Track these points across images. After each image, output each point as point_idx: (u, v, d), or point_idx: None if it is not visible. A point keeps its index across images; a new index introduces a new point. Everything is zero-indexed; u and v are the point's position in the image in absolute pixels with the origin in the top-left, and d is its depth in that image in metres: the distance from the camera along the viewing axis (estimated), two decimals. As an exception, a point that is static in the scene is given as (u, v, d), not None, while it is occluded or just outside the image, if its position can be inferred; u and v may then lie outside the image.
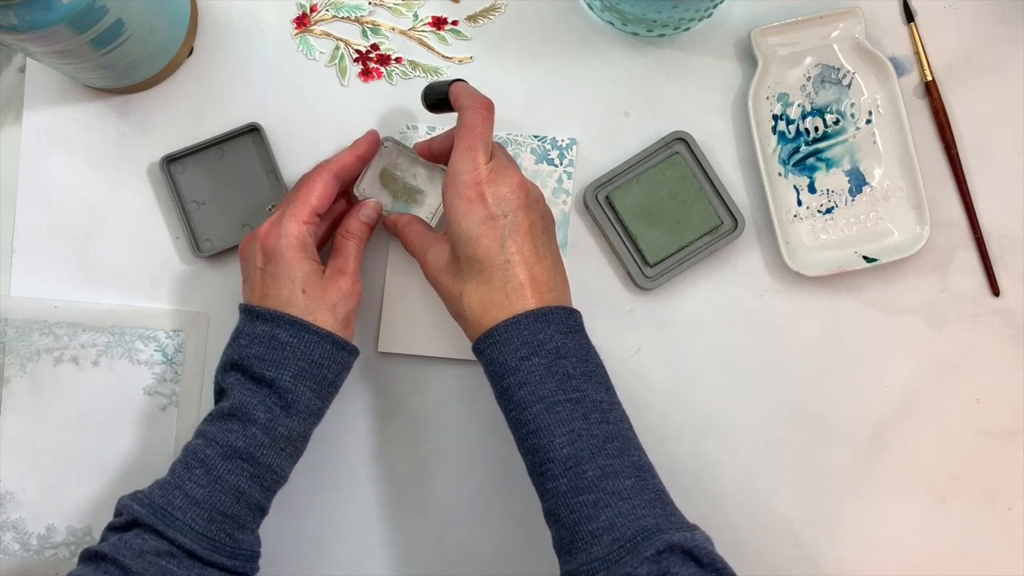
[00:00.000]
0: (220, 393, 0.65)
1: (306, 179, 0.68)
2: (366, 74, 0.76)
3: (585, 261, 0.75)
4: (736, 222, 0.74)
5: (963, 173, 0.76)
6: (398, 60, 0.76)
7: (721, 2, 0.72)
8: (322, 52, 0.76)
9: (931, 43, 0.76)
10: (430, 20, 0.76)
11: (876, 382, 0.75)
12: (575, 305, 0.65)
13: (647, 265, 0.74)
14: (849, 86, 0.75)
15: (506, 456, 0.75)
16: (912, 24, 0.76)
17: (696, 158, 0.74)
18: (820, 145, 0.75)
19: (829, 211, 0.75)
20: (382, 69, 0.76)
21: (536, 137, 0.75)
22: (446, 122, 0.74)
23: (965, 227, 0.76)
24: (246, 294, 0.67)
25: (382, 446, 0.75)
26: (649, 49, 0.76)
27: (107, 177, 0.76)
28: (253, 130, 0.75)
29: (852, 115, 0.75)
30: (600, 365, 0.63)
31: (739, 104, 0.76)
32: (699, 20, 0.74)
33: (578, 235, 0.75)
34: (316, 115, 0.76)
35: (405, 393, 0.75)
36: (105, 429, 0.74)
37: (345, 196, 0.72)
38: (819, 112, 0.75)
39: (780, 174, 0.75)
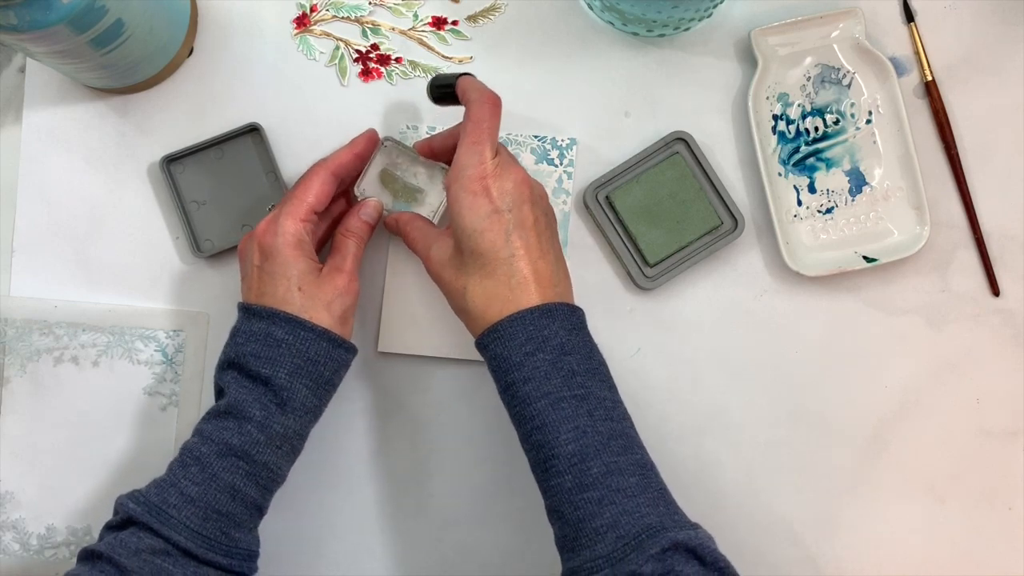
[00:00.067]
0: (220, 392, 0.65)
1: (304, 177, 0.68)
2: (366, 74, 0.76)
3: (585, 261, 0.75)
4: (736, 222, 0.74)
5: (963, 173, 0.76)
6: (398, 60, 0.76)
7: (721, 2, 0.72)
8: (322, 52, 0.76)
9: (931, 43, 0.76)
10: (430, 20, 0.76)
11: (876, 382, 0.75)
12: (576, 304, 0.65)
13: (647, 265, 0.74)
14: (849, 86, 0.75)
15: (506, 456, 0.75)
16: (912, 24, 0.76)
17: (696, 158, 0.74)
18: (820, 145, 0.75)
19: (829, 211, 0.75)
20: (382, 69, 0.76)
21: (536, 137, 0.75)
22: (448, 122, 0.74)
23: (965, 227, 0.76)
24: (244, 292, 0.67)
25: (382, 446, 0.75)
26: (649, 49, 0.76)
27: (107, 177, 0.76)
28: (253, 130, 0.75)
29: (852, 115, 0.75)
30: (603, 363, 0.63)
31: (739, 104, 0.76)
32: (699, 20, 0.74)
33: (578, 235, 0.75)
34: (316, 115, 0.76)
35: (405, 393, 0.75)
36: (105, 429, 0.74)
37: (345, 195, 0.72)
38: (819, 112, 0.75)
39: (780, 174, 0.75)
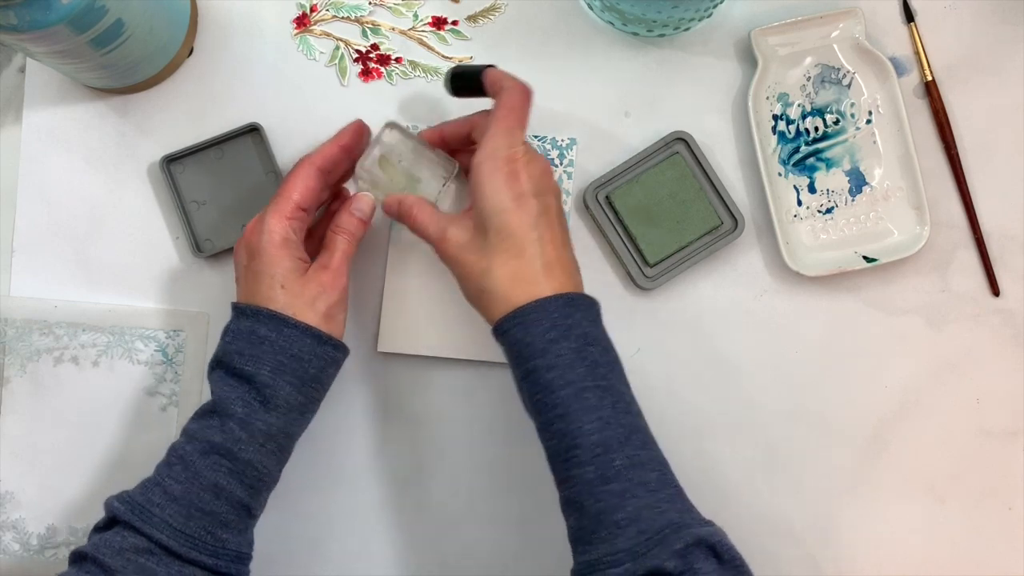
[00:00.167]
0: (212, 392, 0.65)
1: (289, 174, 0.67)
2: (366, 74, 0.76)
3: (585, 261, 0.75)
4: (736, 222, 0.74)
5: (963, 173, 0.76)
6: (398, 60, 0.76)
7: (721, 2, 0.72)
8: (322, 52, 0.76)
9: (931, 43, 0.76)
10: (430, 20, 0.76)
11: (876, 382, 0.75)
12: None
13: (647, 265, 0.74)
14: (849, 86, 0.75)
15: (506, 456, 0.75)
16: (912, 24, 0.76)
17: (696, 158, 0.74)
18: (820, 145, 0.75)
19: (829, 211, 0.75)
20: (382, 69, 0.76)
21: (536, 137, 0.75)
22: (445, 118, 0.74)
23: (965, 227, 0.76)
24: (237, 292, 0.67)
25: (382, 446, 0.75)
26: (649, 49, 0.76)
27: (107, 177, 0.76)
28: (253, 130, 0.75)
29: (852, 115, 0.75)
30: (619, 359, 0.62)
31: (739, 104, 0.76)
32: (699, 20, 0.74)
33: (578, 235, 0.75)
34: (316, 115, 0.76)
35: (405, 393, 0.75)
36: (105, 429, 0.74)
37: (339, 186, 0.72)
38: (819, 112, 0.75)
39: (780, 174, 0.75)
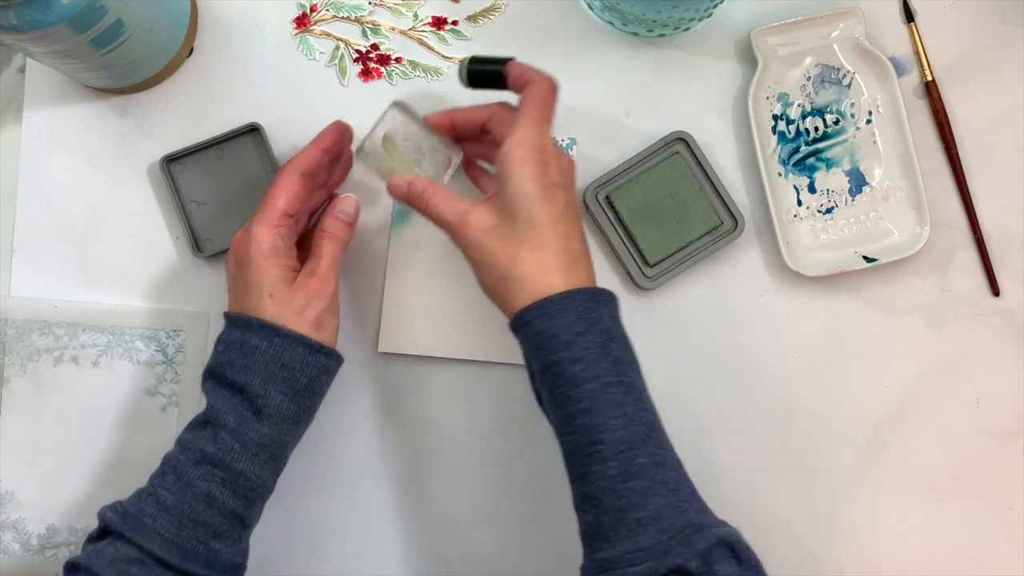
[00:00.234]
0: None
1: (273, 181, 0.66)
2: (366, 74, 0.76)
3: (585, 261, 0.75)
4: (736, 222, 0.74)
5: (963, 173, 0.76)
6: (398, 60, 0.76)
7: (721, 2, 0.72)
8: (322, 52, 0.76)
9: (931, 43, 0.76)
10: (430, 20, 0.76)
11: (876, 382, 0.75)
12: None
13: (647, 265, 0.74)
14: (849, 86, 0.75)
15: (506, 456, 0.75)
16: (912, 24, 0.76)
17: (696, 158, 0.74)
18: (820, 145, 0.75)
19: (829, 211, 0.75)
20: (382, 69, 0.76)
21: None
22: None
23: (965, 227, 0.76)
24: (228, 302, 0.67)
25: (382, 446, 0.75)
26: (649, 49, 0.76)
27: (107, 177, 0.76)
28: (253, 130, 0.75)
29: (852, 115, 0.75)
30: (637, 357, 0.62)
31: (739, 104, 0.76)
32: (699, 20, 0.74)
33: (578, 235, 0.75)
34: (316, 115, 0.75)
35: (405, 393, 0.75)
36: (105, 429, 0.74)
37: (326, 186, 0.71)
38: (819, 112, 0.75)
39: (780, 174, 0.75)
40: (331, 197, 0.71)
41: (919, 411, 0.75)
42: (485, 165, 0.72)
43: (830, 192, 0.75)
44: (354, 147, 0.69)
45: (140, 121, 0.76)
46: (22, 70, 0.76)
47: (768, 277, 0.76)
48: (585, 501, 0.59)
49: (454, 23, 0.76)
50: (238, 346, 0.63)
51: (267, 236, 0.64)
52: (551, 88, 0.64)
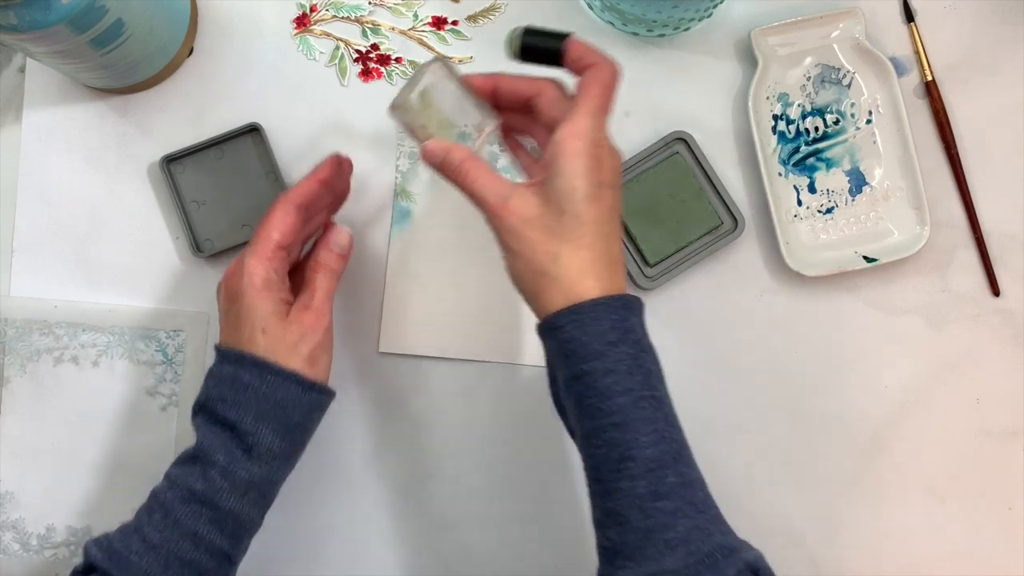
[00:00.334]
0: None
1: (267, 213, 0.65)
2: (366, 74, 0.76)
3: (585, 261, 0.75)
4: (736, 222, 0.74)
5: (963, 173, 0.76)
6: (398, 60, 0.76)
7: (721, 2, 0.72)
8: (322, 52, 0.76)
9: (931, 43, 0.76)
10: (430, 20, 0.76)
11: (876, 382, 0.75)
12: None
13: (647, 265, 0.74)
14: (849, 86, 0.75)
15: (506, 456, 0.75)
16: (912, 24, 0.76)
17: (696, 158, 0.74)
18: (820, 145, 0.75)
19: (829, 211, 0.75)
20: (382, 69, 0.76)
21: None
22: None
23: (965, 227, 0.76)
24: (220, 333, 0.65)
25: (382, 446, 0.75)
26: (649, 49, 0.76)
27: (107, 177, 0.76)
28: (253, 130, 0.75)
29: (852, 115, 0.75)
30: (662, 367, 0.59)
31: (739, 104, 0.76)
32: (699, 20, 0.74)
33: (578, 235, 0.75)
34: (316, 115, 0.76)
35: (405, 393, 0.75)
36: (105, 429, 0.74)
37: (326, 222, 0.70)
38: (819, 112, 0.75)
39: (780, 174, 0.75)
40: (325, 226, 0.70)
41: (919, 411, 0.75)
42: (522, 140, 0.67)
43: (830, 192, 0.75)
44: (393, 101, 0.63)
45: (140, 121, 0.76)
46: (22, 70, 0.76)
47: (768, 277, 0.76)
48: (609, 517, 0.56)
49: (454, 23, 0.77)
50: (230, 382, 0.62)
51: (260, 269, 0.63)
52: (615, 75, 0.60)
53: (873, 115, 0.75)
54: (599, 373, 0.56)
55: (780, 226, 0.74)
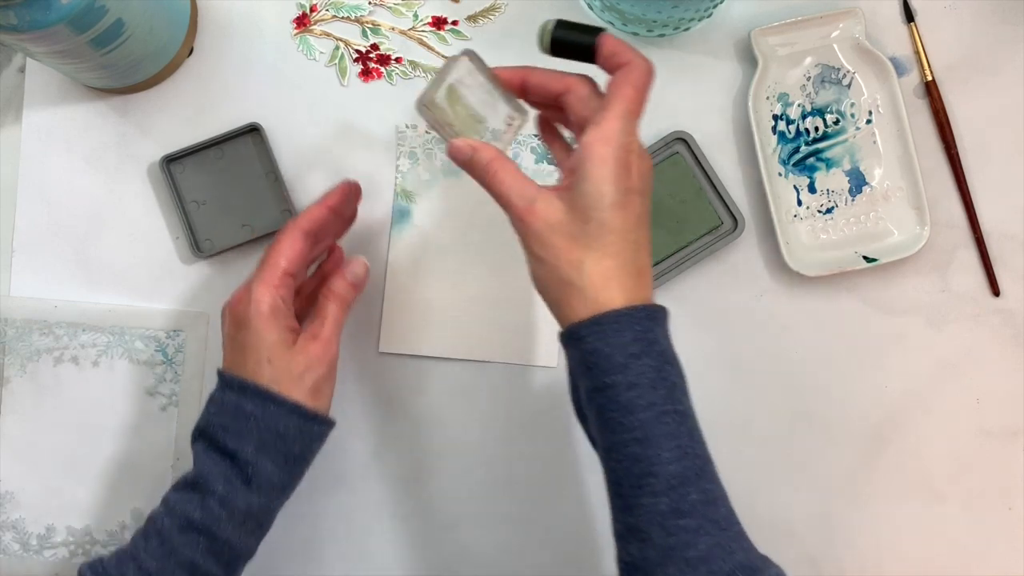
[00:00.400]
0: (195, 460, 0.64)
1: (275, 240, 0.65)
2: (366, 74, 0.76)
3: (585, 261, 0.75)
4: (736, 222, 0.74)
5: (963, 173, 0.76)
6: (398, 60, 0.76)
7: (721, 2, 0.72)
8: (322, 52, 0.76)
9: (931, 43, 0.76)
10: (430, 20, 0.76)
11: (876, 382, 0.75)
12: None
13: (647, 265, 0.74)
14: (849, 86, 0.75)
15: (506, 456, 0.75)
16: (912, 24, 0.76)
17: (696, 158, 0.74)
18: (820, 145, 0.75)
19: (829, 211, 0.75)
20: (382, 69, 0.76)
21: (536, 136, 0.75)
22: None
23: (965, 227, 0.76)
24: (223, 358, 0.65)
25: (382, 446, 0.75)
26: (649, 49, 0.76)
27: (107, 177, 0.76)
28: (253, 130, 0.75)
29: (852, 115, 0.75)
30: (686, 377, 0.58)
31: (739, 104, 0.76)
32: (699, 20, 0.74)
33: (578, 235, 0.75)
34: (316, 115, 0.76)
35: (405, 393, 0.75)
36: (105, 429, 0.74)
37: (331, 246, 0.71)
38: (819, 112, 0.75)
39: (780, 174, 0.75)
40: (330, 250, 0.71)
41: (919, 411, 0.75)
42: (563, 130, 0.65)
43: (830, 192, 0.75)
44: (421, 98, 0.61)
45: (140, 121, 0.76)
46: (22, 70, 0.76)
47: (768, 277, 0.76)
48: (630, 532, 0.55)
49: (454, 23, 0.76)
50: (232, 410, 0.61)
51: (267, 297, 0.63)
52: (648, 75, 0.57)
53: (873, 115, 0.75)
54: (621, 387, 0.54)
55: (780, 226, 0.74)
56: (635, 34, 0.76)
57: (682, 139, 0.74)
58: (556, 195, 0.57)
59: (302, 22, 0.76)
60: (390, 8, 0.76)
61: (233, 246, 0.74)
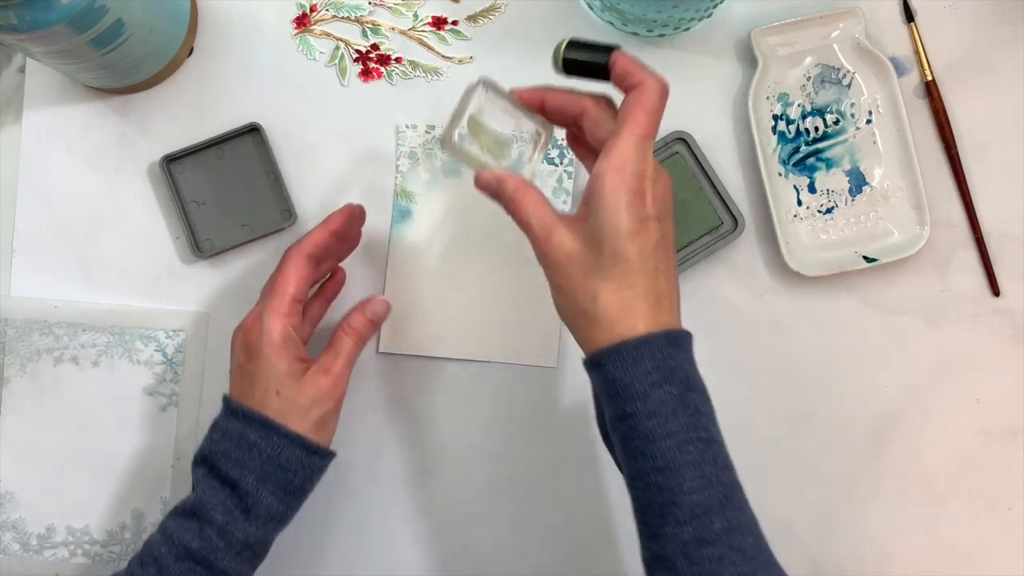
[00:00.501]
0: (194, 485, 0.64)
1: (280, 267, 0.65)
2: (366, 74, 0.76)
3: (585, 261, 0.75)
4: (736, 222, 0.74)
5: (963, 173, 0.76)
6: (398, 60, 0.76)
7: (721, 2, 0.72)
8: (322, 52, 0.76)
9: (931, 43, 0.76)
10: (430, 20, 0.76)
11: (876, 382, 0.75)
12: None
13: (647, 265, 0.74)
14: (849, 86, 0.75)
15: (506, 456, 0.75)
16: (912, 24, 0.76)
17: (696, 158, 0.74)
18: (820, 145, 0.75)
19: (829, 211, 0.75)
20: (382, 69, 0.76)
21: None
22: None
23: (965, 227, 0.76)
24: (230, 386, 0.65)
25: (382, 446, 0.75)
26: (649, 49, 0.76)
27: (107, 177, 0.76)
28: (253, 130, 0.75)
29: (852, 115, 0.75)
30: (712, 403, 0.58)
31: (739, 104, 0.76)
32: (699, 20, 0.74)
33: (578, 235, 0.75)
34: (316, 115, 0.76)
35: (406, 393, 0.75)
36: (105, 429, 0.74)
37: (334, 268, 0.72)
38: (819, 112, 0.75)
39: (780, 174, 0.75)
40: (333, 272, 0.72)
41: (919, 411, 0.75)
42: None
43: (830, 192, 0.75)
44: (444, 135, 0.61)
45: (140, 121, 0.76)
46: (22, 70, 0.76)
47: (768, 277, 0.76)
48: (656, 560, 0.55)
49: (454, 23, 0.76)
50: (235, 439, 0.62)
51: (279, 326, 0.63)
52: (662, 96, 0.56)
53: (873, 115, 0.75)
54: (642, 415, 0.54)
55: (780, 226, 0.74)
56: (635, 34, 0.76)
57: (682, 139, 0.74)
58: (573, 225, 0.57)
59: (302, 22, 0.76)
60: (390, 8, 0.76)
61: (233, 246, 0.74)
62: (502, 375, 0.75)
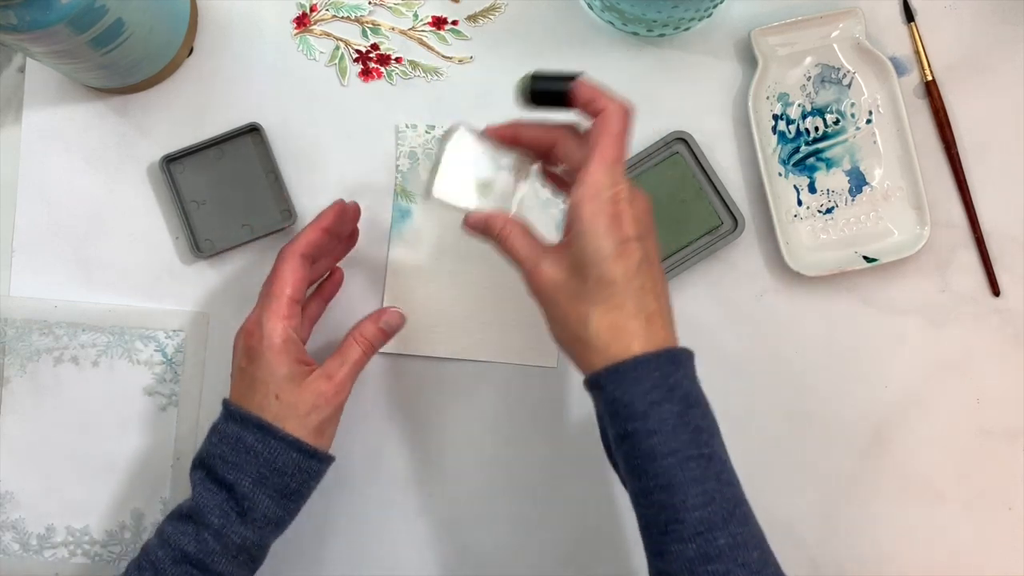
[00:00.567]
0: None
1: (275, 268, 0.65)
2: (366, 74, 0.76)
3: (585, 261, 0.75)
4: (736, 222, 0.74)
5: (963, 173, 0.76)
6: (398, 60, 0.76)
7: (721, 2, 0.72)
8: (322, 52, 0.76)
9: (931, 43, 0.76)
10: (430, 20, 0.76)
11: (876, 382, 0.75)
12: None
13: (647, 265, 0.74)
14: (849, 86, 0.75)
15: (506, 456, 0.75)
16: (912, 24, 0.76)
17: (696, 158, 0.74)
18: (820, 145, 0.75)
19: (829, 211, 0.75)
20: (382, 69, 0.76)
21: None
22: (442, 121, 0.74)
23: (965, 227, 0.76)
24: (230, 387, 0.65)
25: (382, 446, 0.75)
26: (649, 49, 0.76)
27: (107, 177, 0.76)
28: (253, 130, 0.75)
29: (852, 115, 0.75)
30: (715, 418, 0.58)
31: (739, 104, 0.76)
32: (699, 20, 0.74)
33: (578, 235, 0.75)
34: (316, 115, 0.76)
35: (405, 393, 0.75)
36: (105, 429, 0.74)
37: (332, 267, 0.72)
38: (819, 112, 0.75)
39: (780, 174, 0.75)
40: (331, 272, 0.72)
41: (919, 411, 0.75)
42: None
43: (830, 192, 0.75)
44: (430, 190, 0.62)
45: (140, 121, 0.76)
46: (22, 70, 0.76)
47: (768, 277, 0.76)
48: None
49: (454, 23, 0.76)
50: (233, 442, 0.62)
51: (279, 328, 0.63)
52: (624, 119, 0.58)
53: (873, 115, 0.75)
54: (643, 434, 0.54)
55: (780, 226, 0.74)
56: (635, 34, 0.76)
57: (682, 139, 0.74)
58: (559, 254, 0.58)
59: (302, 22, 0.76)
60: (390, 8, 0.76)
61: (233, 246, 0.74)
62: (502, 375, 0.75)
